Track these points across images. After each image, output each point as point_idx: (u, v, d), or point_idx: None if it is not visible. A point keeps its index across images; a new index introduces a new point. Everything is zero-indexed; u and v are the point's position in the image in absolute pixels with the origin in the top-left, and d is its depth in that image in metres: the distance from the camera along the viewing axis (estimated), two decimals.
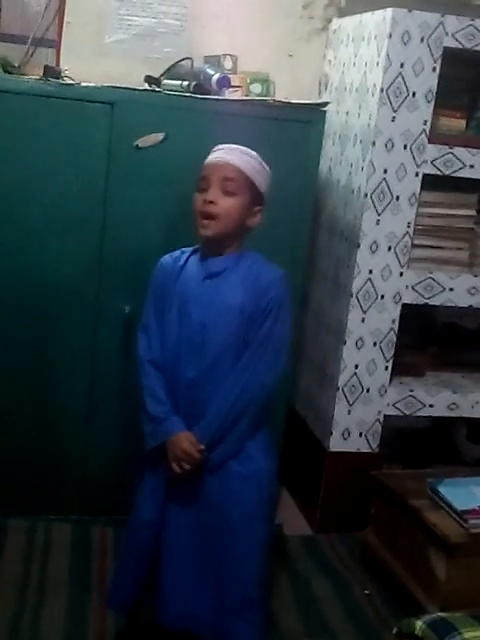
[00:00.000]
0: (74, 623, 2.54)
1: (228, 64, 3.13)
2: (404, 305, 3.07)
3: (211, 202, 2.14)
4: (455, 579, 2.63)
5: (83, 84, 2.73)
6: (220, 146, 2.25)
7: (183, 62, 3.00)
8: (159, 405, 2.24)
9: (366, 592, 2.88)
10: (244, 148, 2.22)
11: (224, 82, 2.91)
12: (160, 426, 2.22)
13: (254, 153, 2.23)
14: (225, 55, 3.14)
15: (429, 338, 3.41)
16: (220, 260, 2.21)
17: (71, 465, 3.05)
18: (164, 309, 2.26)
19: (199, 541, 2.24)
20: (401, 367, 3.21)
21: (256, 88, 3.09)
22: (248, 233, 2.25)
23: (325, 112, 2.91)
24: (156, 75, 2.96)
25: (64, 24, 3.10)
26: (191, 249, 2.31)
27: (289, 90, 3.22)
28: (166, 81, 2.93)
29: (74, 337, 2.92)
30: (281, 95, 3.08)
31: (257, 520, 2.23)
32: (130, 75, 2.96)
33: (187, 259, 2.28)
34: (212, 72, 2.93)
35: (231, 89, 2.96)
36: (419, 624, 2.08)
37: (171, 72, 3.01)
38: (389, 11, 2.80)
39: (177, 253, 2.32)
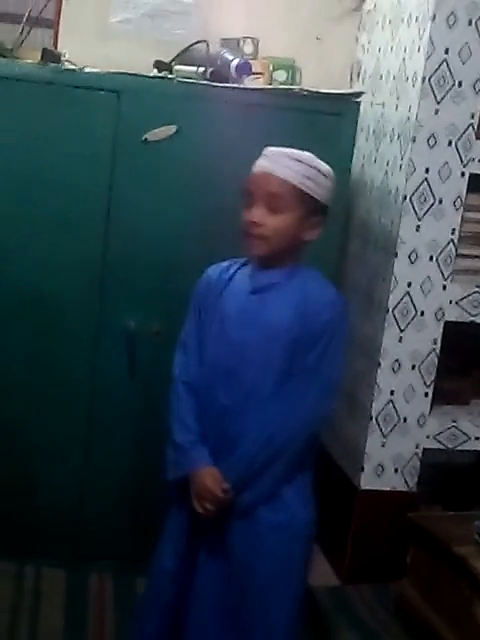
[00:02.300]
0: None
1: (248, 48, 3.18)
2: (447, 323, 3.09)
3: (256, 223, 2.12)
4: None
5: (86, 70, 2.77)
6: (267, 150, 2.19)
7: (197, 46, 3.04)
8: (186, 432, 2.24)
9: None
10: (295, 151, 2.16)
11: (244, 68, 2.95)
12: (183, 456, 2.22)
13: (307, 155, 2.16)
14: (245, 38, 3.19)
15: (475, 361, 3.43)
16: (270, 274, 2.19)
17: (65, 503, 3.07)
18: (205, 326, 2.27)
19: (225, 598, 2.22)
20: (443, 394, 3.23)
21: (280, 75, 3.14)
22: (303, 247, 2.23)
23: (359, 103, 2.94)
24: (167, 60, 3.00)
25: (63, 2, 3.16)
26: (241, 261, 2.28)
27: (317, 78, 3.26)
28: (178, 67, 2.98)
29: (72, 356, 2.96)
30: (308, 83, 3.12)
31: (287, 579, 2.21)
32: (137, 60, 2.99)
33: (236, 271, 2.28)
34: (231, 57, 2.97)
35: (252, 76, 3.01)
36: None
37: (184, 57, 3.04)
38: None
39: (225, 264, 2.31)
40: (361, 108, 3.00)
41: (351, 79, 3.46)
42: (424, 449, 3.19)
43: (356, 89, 3.26)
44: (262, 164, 2.16)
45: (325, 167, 2.18)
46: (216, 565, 2.22)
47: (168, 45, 3.13)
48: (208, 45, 3.03)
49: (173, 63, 2.99)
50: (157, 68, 2.97)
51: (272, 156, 2.17)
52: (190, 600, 2.24)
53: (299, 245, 2.20)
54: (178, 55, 3.03)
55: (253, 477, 2.15)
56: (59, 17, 3.15)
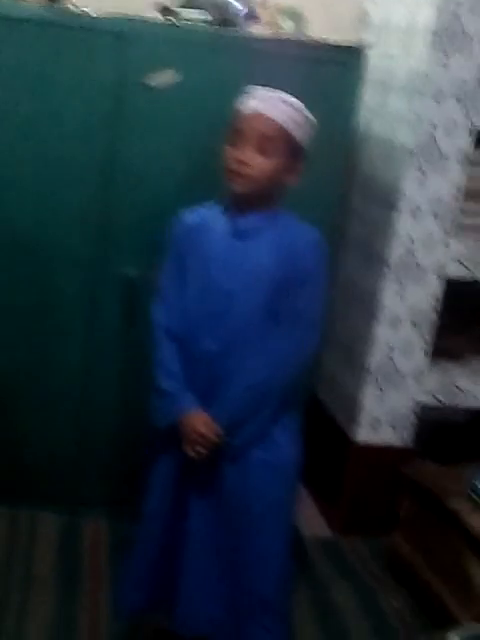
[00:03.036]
0: (63, 628, 2.59)
1: None
2: (450, 281, 3.09)
3: (244, 163, 2.13)
4: None
5: (90, 12, 2.73)
6: (257, 91, 2.22)
7: None
8: (172, 379, 2.27)
9: (394, 603, 2.93)
10: (286, 96, 2.19)
11: (251, 15, 2.92)
12: (172, 403, 2.25)
13: (297, 102, 2.19)
14: None
15: (474, 319, 3.44)
16: (251, 218, 2.20)
17: (62, 448, 3.10)
18: (184, 271, 2.28)
19: (218, 536, 2.27)
20: (441, 351, 3.24)
21: (287, 24, 3.09)
22: (284, 190, 2.25)
23: (364, 55, 2.89)
24: (171, 5, 2.96)
25: None
26: (217, 204, 2.29)
27: (324, 28, 3.20)
28: (183, 11, 2.94)
29: (70, 305, 2.96)
30: (314, 33, 3.09)
31: (280, 514, 2.28)
32: (144, 4, 2.95)
33: (213, 216, 2.28)
34: (237, 4, 2.93)
35: (258, 24, 2.97)
36: (454, 639, 2.13)
37: (189, 2, 3.01)
38: None
39: (201, 208, 2.32)
40: (368, 60, 2.97)
41: (358, 30, 3.41)
42: (421, 405, 3.20)
43: (363, 40, 3.21)
44: (254, 104, 2.18)
45: (310, 115, 2.23)
46: (208, 507, 2.27)
47: None
48: None
49: (179, 8, 2.95)
50: (162, 13, 2.94)
51: (265, 97, 2.19)
52: (183, 543, 2.28)
53: (279, 189, 2.23)
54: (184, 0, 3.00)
55: (243, 419, 2.20)
56: None
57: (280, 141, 2.15)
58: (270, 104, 2.16)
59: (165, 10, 2.94)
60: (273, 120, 2.14)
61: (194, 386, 2.25)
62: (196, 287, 2.25)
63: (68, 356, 3.01)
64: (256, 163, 2.13)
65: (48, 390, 3.03)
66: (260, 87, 2.23)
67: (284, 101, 2.18)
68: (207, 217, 2.28)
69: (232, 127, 2.19)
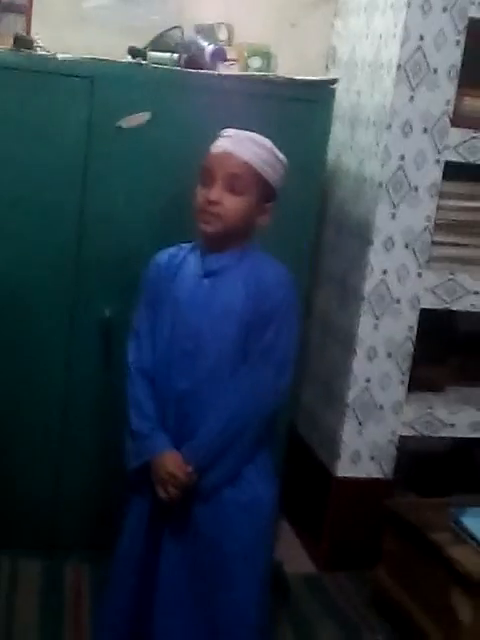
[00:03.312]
0: None
1: (223, 34, 3.17)
2: (422, 311, 3.11)
3: (214, 202, 2.15)
4: None
5: (59, 56, 2.76)
6: (227, 132, 2.25)
7: (171, 32, 3.04)
8: (144, 420, 2.26)
9: (378, 638, 2.91)
10: (256, 136, 2.21)
11: (219, 55, 2.95)
12: (143, 443, 2.24)
13: (268, 142, 2.22)
14: (219, 24, 3.18)
15: (450, 349, 3.45)
16: (220, 257, 2.22)
17: (41, 492, 3.06)
18: (157, 311, 2.29)
19: (192, 579, 2.25)
20: (418, 382, 3.25)
21: (255, 62, 3.11)
22: (255, 231, 2.27)
23: (334, 90, 2.94)
24: (141, 46, 2.99)
25: None
26: (190, 245, 2.31)
27: (292, 65, 3.24)
28: (152, 53, 2.97)
29: (46, 345, 2.94)
30: (283, 70, 3.11)
31: (255, 557, 2.24)
32: (111, 46, 2.97)
33: (185, 256, 2.30)
34: (205, 43, 2.96)
35: (226, 63, 3.00)
36: None
37: (158, 43, 3.03)
38: None
39: (174, 249, 2.34)
40: (337, 96, 3.00)
41: (327, 66, 3.46)
42: (400, 437, 3.20)
43: (331, 76, 3.25)
44: (223, 144, 2.21)
45: (281, 155, 2.25)
46: (181, 548, 2.24)
47: (142, 31, 3.10)
48: (182, 31, 3.03)
49: (147, 49, 2.98)
50: (131, 54, 2.96)
51: (234, 137, 2.22)
52: (156, 585, 2.25)
53: (250, 229, 2.25)
54: (152, 41, 3.02)
55: (215, 459, 2.18)
56: (31, 2, 3.12)
57: (249, 180, 2.17)
58: (239, 144, 2.19)
59: (134, 51, 2.97)
60: (242, 159, 2.16)
61: (166, 425, 2.24)
62: (167, 326, 2.26)
63: (46, 398, 2.99)
64: (226, 202, 2.15)
65: (26, 431, 3.00)
66: (231, 129, 2.25)
67: (254, 141, 2.20)
68: (180, 257, 2.30)
69: (202, 167, 2.21)
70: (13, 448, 3.02)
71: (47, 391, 2.99)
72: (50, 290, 2.90)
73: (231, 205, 2.15)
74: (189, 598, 2.25)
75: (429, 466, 3.53)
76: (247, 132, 2.23)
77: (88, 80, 2.76)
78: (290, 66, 3.19)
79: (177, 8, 3.26)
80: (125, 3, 3.24)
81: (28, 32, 3.08)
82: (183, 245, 2.33)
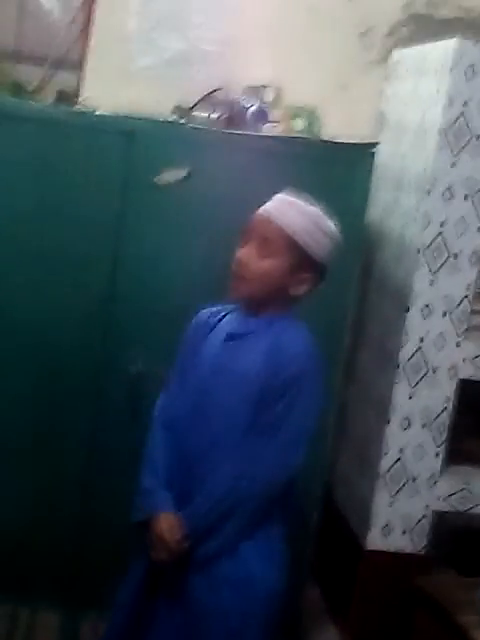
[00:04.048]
0: None
1: (269, 96, 3.18)
2: (464, 382, 3.02)
3: (242, 262, 2.12)
4: None
5: (98, 112, 2.81)
6: (277, 196, 2.19)
7: (218, 92, 3.07)
8: (151, 476, 2.22)
9: None
10: (302, 204, 2.15)
11: (260, 115, 2.97)
12: (145, 499, 2.21)
13: (313, 211, 2.15)
14: (266, 86, 3.19)
15: None
16: (247, 321, 2.18)
17: (63, 547, 3.05)
18: (187, 368, 2.26)
19: None
20: (458, 455, 3.14)
21: (299, 124, 3.12)
22: (294, 300, 2.19)
23: (373, 153, 2.92)
24: (187, 106, 3.02)
25: (89, 45, 3.21)
26: (232, 306, 2.26)
27: (341, 127, 3.23)
28: (197, 113, 3.00)
29: (74, 398, 2.96)
30: (331, 132, 3.11)
31: (242, 638, 2.13)
32: (159, 105, 3.02)
33: (223, 316, 2.27)
34: (248, 104, 2.98)
35: (269, 124, 3.01)
36: None
37: (205, 103, 3.07)
38: (453, 41, 2.82)
39: (216, 308, 2.31)
40: (383, 159, 2.99)
41: (375, 130, 3.44)
42: (434, 511, 3.09)
43: (379, 140, 3.23)
44: (265, 207, 2.16)
45: (329, 226, 2.16)
46: (173, 613, 2.17)
47: (190, 91, 3.15)
48: (227, 91, 3.06)
49: (192, 109, 3.01)
50: (176, 113, 3.00)
51: (277, 202, 2.17)
52: None
53: (285, 297, 2.16)
54: (198, 101, 3.06)
55: (210, 529, 2.10)
56: (84, 59, 3.20)
57: (282, 246, 2.09)
58: (279, 208, 2.13)
59: (180, 110, 3.01)
60: (277, 224, 2.10)
61: (173, 487, 2.19)
62: (190, 384, 2.22)
63: (72, 451, 2.99)
64: (252, 265, 2.10)
65: (51, 485, 3.00)
66: (285, 193, 2.19)
67: (297, 207, 2.14)
68: (219, 317, 2.27)
69: (243, 229, 2.17)
70: (38, 501, 3.01)
71: (74, 444, 2.99)
72: (81, 342, 2.92)
73: (257, 267, 2.10)
74: None
75: (469, 543, 3.40)
76: (295, 198, 2.16)
77: (126, 136, 2.79)
78: (338, 128, 3.18)
79: (226, 69, 3.29)
80: (175, 63, 3.29)
81: (79, 88, 3.16)
82: (227, 305, 2.28)
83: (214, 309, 2.30)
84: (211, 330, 2.24)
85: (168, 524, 2.12)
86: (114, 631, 2.29)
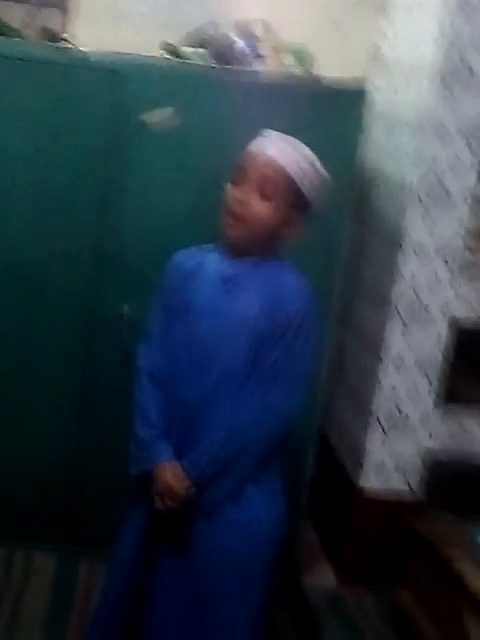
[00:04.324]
0: None
1: (259, 31, 3.12)
2: (460, 322, 3.02)
3: (242, 202, 2.04)
4: None
5: (84, 49, 2.76)
6: (268, 133, 2.12)
7: (205, 27, 3.01)
8: (148, 427, 2.19)
9: None
10: (298, 144, 2.09)
11: (250, 52, 2.92)
12: (145, 451, 2.16)
13: (309, 153, 2.09)
14: (256, 20, 3.11)
15: None
16: (240, 265, 2.10)
17: (59, 487, 3.08)
18: (170, 315, 2.20)
19: (187, 597, 2.17)
20: (454, 396, 3.14)
21: (289, 61, 3.06)
22: (283, 242, 2.14)
23: (365, 92, 2.85)
24: (176, 42, 2.97)
25: None
26: (211, 247, 2.19)
27: (334, 66, 3.16)
28: (186, 49, 2.95)
29: (65, 341, 2.96)
30: (324, 71, 3.06)
31: (250, 581, 2.15)
32: (148, 43, 2.96)
33: (203, 259, 2.18)
34: (236, 40, 2.93)
35: (259, 60, 2.96)
36: None
37: (193, 39, 3.02)
38: None
39: (193, 250, 2.22)
40: (377, 98, 2.93)
41: (370, 66, 3.37)
42: (431, 450, 3.11)
43: (372, 78, 3.18)
44: (262, 145, 2.08)
45: (322, 170, 2.12)
46: (178, 561, 2.17)
47: (179, 27, 3.10)
48: (216, 26, 3.00)
49: (181, 45, 2.96)
50: (164, 50, 2.95)
51: (275, 140, 2.10)
52: (152, 596, 2.20)
53: (275, 238, 2.12)
54: (186, 37, 3.01)
55: (216, 475, 2.08)
56: None
57: (282, 186, 2.04)
58: (279, 147, 2.06)
59: (168, 47, 2.96)
60: (279, 163, 2.03)
61: (171, 435, 2.16)
62: (179, 332, 2.16)
63: (63, 394, 3.01)
64: (253, 205, 2.04)
65: (44, 426, 3.02)
66: (275, 131, 2.13)
67: (294, 147, 2.08)
68: (200, 260, 2.19)
69: (236, 165, 2.09)
70: (33, 445, 3.04)
71: (65, 388, 3.00)
72: (71, 285, 2.91)
73: (258, 209, 2.03)
74: (183, 612, 2.18)
75: (468, 484, 3.41)
76: (289, 137, 2.11)
77: (112, 75, 2.75)
78: (331, 67, 3.12)
79: (217, 5, 3.22)
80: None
81: (64, 28, 3.11)
82: (204, 246, 2.23)
83: (191, 251, 2.24)
84: (193, 274, 2.17)
85: (174, 473, 2.09)
86: (116, 585, 2.28)
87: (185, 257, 2.22)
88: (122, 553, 2.27)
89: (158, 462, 2.13)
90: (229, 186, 2.09)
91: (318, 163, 2.10)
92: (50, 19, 3.08)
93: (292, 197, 2.07)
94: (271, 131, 2.14)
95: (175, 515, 2.12)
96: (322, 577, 3.23)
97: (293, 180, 2.05)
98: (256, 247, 2.10)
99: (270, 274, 2.10)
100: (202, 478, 2.09)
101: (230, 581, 2.14)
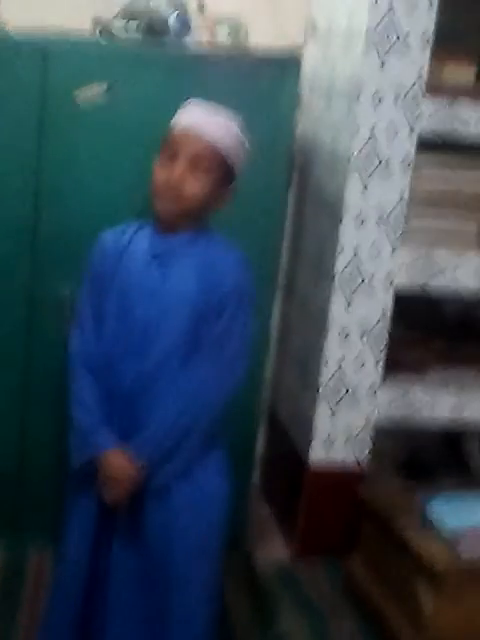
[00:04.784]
0: None
1: (192, 4, 3.08)
2: (403, 292, 3.02)
3: (175, 178, 2.02)
4: (443, 614, 2.59)
5: (9, 30, 2.70)
6: (195, 107, 2.11)
7: (138, 2, 2.97)
8: (87, 414, 2.14)
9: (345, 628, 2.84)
10: (225, 114, 2.09)
11: (182, 25, 2.87)
12: (86, 440, 2.12)
13: (233, 122, 2.10)
14: None
15: (436, 332, 3.35)
16: (172, 241, 2.08)
17: (3, 474, 3.04)
18: (102, 297, 2.15)
19: (144, 582, 2.15)
20: (399, 365, 3.15)
21: (222, 33, 3.04)
22: (212, 212, 2.14)
23: (299, 62, 2.83)
24: (110, 16, 2.92)
25: None
26: (138, 224, 2.17)
27: (269, 36, 3.16)
28: (116, 26, 2.91)
29: (3, 326, 2.91)
30: (259, 41, 3.04)
31: (203, 554, 2.15)
32: (79, 19, 2.91)
33: (132, 236, 2.15)
34: (168, 13, 2.89)
35: (192, 34, 2.93)
36: None
37: (126, 13, 2.97)
38: None
39: (120, 229, 2.21)
40: (313, 67, 2.91)
41: (305, 37, 3.35)
42: (379, 421, 3.11)
43: (306, 47, 3.17)
44: (190, 120, 2.07)
45: (245, 137, 2.12)
46: (131, 548, 2.14)
47: (110, 2, 3.05)
48: (149, 1, 2.95)
49: (112, 20, 2.92)
50: (95, 26, 2.91)
51: (201, 115, 2.08)
52: (107, 586, 2.17)
53: (205, 211, 2.11)
54: (120, 10, 2.95)
55: (164, 456, 2.06)
56: None
57: (214, 162, 2.04)
58: (207, 121, 2.05)
59: (99, 23, 2.91)
60: (209, 139, 2.03)
61: (112, 421, 2.12)
62: (112, 314, 2.12)
63: (6, 378, 2.96)
64: (188, 183, 2.02)
65: None
66: (198, 102, 2.12)
67: (222, 119, 2.08)
68: (129, 238, 2.16)
69: (165, 142, 2.07)
70: None
71: (6, 375, 2.96)
72: (6, 268, 2.86)
73: (193, 186, 2.02)
74: (140, 597, 2.16)
75: (418, 452, 3.44)
76: (216, 108, 2.09)
77: (40, 54, 2.69)
78: (266, 38, 3.11)
79: None
80: None
81: None
82: (132, 224, 2.19)
83: (117, 230, 2.20)
84: (122, 253, 2.13)
85: (118, 461, 2.06)
86: (68, 581, 2.23)
87: (112, 237, 2.19)
88: (70, 549, 2.23)
89: (100, 451, 2.09)
90: (159, 161, 2.07)
91: (242, 132, 2.10)
92: None
93: (223, 171, 2.07)
94: (196, 103, 2.12)
95: (124, 502, 2.10)
96: (275, 552, 3.23)
97: (222, 154, 2.05)
98: (186, 222, 2.08)
99: (205, 250, 2.09)
100: (150, 461, 2.06)
101: (185, 561, 2.13)
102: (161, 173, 2.05)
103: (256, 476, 3.57)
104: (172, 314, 2.06)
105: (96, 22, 2.92)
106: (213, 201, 2.10)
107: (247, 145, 2.13)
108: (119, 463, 2.06)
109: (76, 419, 2.17)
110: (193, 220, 2.10)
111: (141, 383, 2.08)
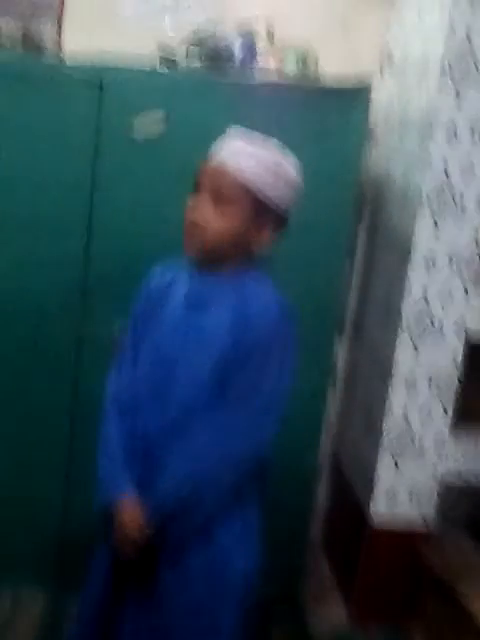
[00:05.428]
0: None
1: (262, 31, 2.96)
2: (476, 338, 2.83)
3: (196, 212, 1.88)
4: None
5: (68, 62, 2.64)
6: (232, 139, 1.94)
7: (205, 28, 2.87)
8: (110, 460, 2.00)
9: None
10: (261, 147, 1.89)
11: (248, 54, 2.78)
12: (106, 486, 1.99)
13: (271, 154, 1.89)
14: (258, 18, 2.96)
15: None
16: (208, 279, 1.94)
17: (48, 525, 2.94)
18: (142, 338, 2.04)
19: (154, 638, 2.00)
20: (470, 416, 2.95)
21: (290, 63, 2.90)
22: (255, 255, 1.94)
23: (368, 94, 2.67)
24: (175, 45, 2.84)
25: None
26: (187, 261, 1.99)
27: (341, 65, 3.03)
28: (180, 51, 2.82)
29: (53, 364, 2.82)
30: (330, 71, 2.90)
31: (218, 631, 1.96)
32: (144, 48, 2.84)
33: (175, 276, 2.03)
34: (235, 42, 2.78)
35: (258, 63, 2.81)
36: None
37: (190, 38, 2.88)
38: None
39: (171, 264, 2.07)
40: (386, 98, 2.77)
41: (381, 67, 3.21)
42: (446, 476, 2.92)
43: (380, 75, 3.02)
44: (219, 153, 1.91)
45: (288, 169, 1.91)
46: (143, 604, 2.00)
47: (178, 30, 2.98)
48: (216, 25, 2.87)
49: (179, 46, 2.83)
50: (161, 55, 2.83)
51: (232, 146, 1.91)
52: (120, 635, 2.02)
53: (243, 251, 1.93)
54: (184, 41, 2.87)
55: (178, 508, 1.88)
56: (63, 6, 3.03)
57: (237, 195, 1.86)
58: (235, 155, 1.88)
59: (162, 50, 2.83)
60: (229, 173, 1.85)
61: (134, 468, 1.97)
62: (147, 356, 2.00)
63: (54, 420, 2.87)
64: (208, 219, 1.86)
65: (34, 457, 2.89)
66: (238, 131, 1.97)
67: (254, 153, 1.88)
68: (172, 277, 2.04)
69: (195, 177, 1.92)
70: (21, 477, 2.91)
71: (55, 414, 2.87)
72: (58, 306, 2.77)
73: (211, 218, 1.87)
74: None
75: None
76: (250, 141, 1.90)
77: (98, 86, 2.63)
78: (338, 67, 2.98)
79: (217, 5, 3.09)
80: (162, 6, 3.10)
81: (59, 36, 3.00)
82: (181, 260, 2.02)
83: (163, 268, 2.09)
84: (164, 292, 2.01)
85: (130, 510, 1.92)
86: (83, 623, 2.12)
87: (160, 274, 2.07)
88: (90, 590, 2.11)
89: (118, 496, 1.95)
90: (189, 201, 1.91)
91: (283, 164, 1.89)
92: (42, 28, 2.96)
93: (251, 204, 1.88)
94: (237, 130, 1.97)
95: (135, 559, 1.94)
96: (332, 612, 3.04)
97: (247, 188, 1.86)
98: (223, 260, 1.91)
99: (241, 291, 1.90)
100: (162, 517, 1.89)
101: (196, 626, 1.95)
102: (188, 210, 1.91)
103: (317, 528, 3.40)
104: (199, 356, 1.90)
105: (160, 48, 2.84)
106: (247, 239, 1.91)
107: (293, 181, 1.93)
108: (130, 511, 1.92)
109: (100, 464, 2.04)
110: (230, 260, 1.92)
111: (165, 430, 1.93)
